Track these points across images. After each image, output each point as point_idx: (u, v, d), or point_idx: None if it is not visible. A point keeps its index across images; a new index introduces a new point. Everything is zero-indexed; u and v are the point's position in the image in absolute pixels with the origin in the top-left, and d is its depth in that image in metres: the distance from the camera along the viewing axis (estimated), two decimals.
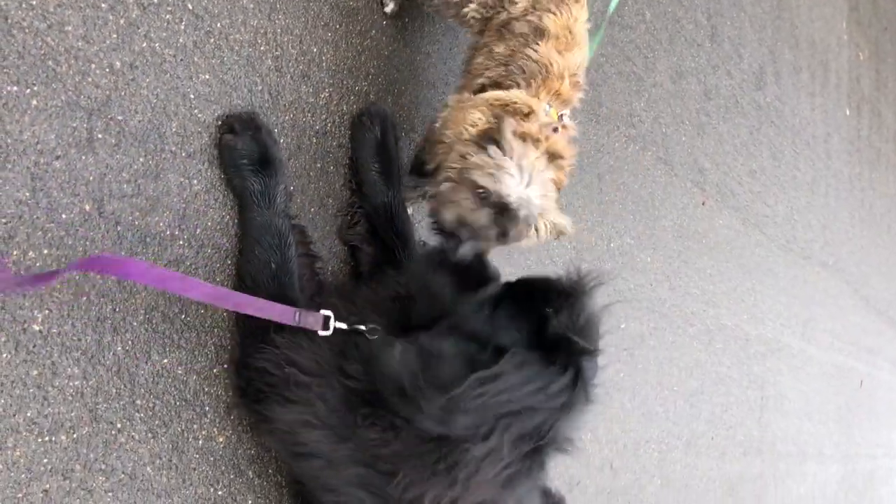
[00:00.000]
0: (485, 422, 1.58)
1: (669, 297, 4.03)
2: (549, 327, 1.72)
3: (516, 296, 1.87)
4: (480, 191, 1.91)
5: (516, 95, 2.07)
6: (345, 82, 2.38)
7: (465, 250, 1.81)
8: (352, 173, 2.36)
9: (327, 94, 2.32)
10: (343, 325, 1.85)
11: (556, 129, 2.03)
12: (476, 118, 2.02)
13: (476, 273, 1.87)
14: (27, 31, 1.69)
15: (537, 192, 1.93)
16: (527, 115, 2.03)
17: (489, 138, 1.95)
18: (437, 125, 2.17)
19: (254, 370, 1.91)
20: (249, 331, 1.98)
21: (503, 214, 1.92)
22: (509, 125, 1.93)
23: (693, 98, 4.34)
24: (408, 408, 1.61)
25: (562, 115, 2.12)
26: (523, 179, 1.91)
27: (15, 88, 1.68)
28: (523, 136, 1.96)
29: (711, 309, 4.42)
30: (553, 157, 2.01)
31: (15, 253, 1.66)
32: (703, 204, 4.39)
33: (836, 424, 6.22)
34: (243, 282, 2.04)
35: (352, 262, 2.38)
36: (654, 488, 3.87)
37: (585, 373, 1.71)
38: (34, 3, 1.70)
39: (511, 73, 2.14)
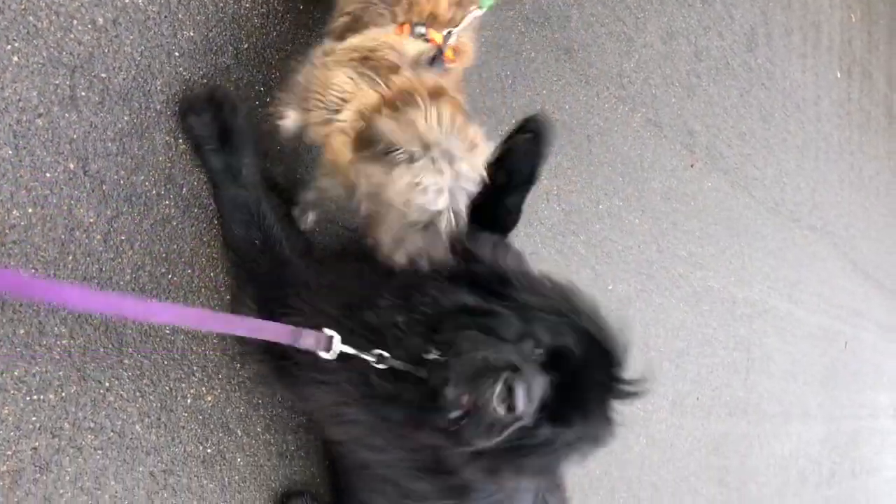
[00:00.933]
0: None
1: (657, 259, 4.05)
2: None
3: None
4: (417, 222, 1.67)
5: (373, 39, 1.77)
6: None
7: (520, 407, 1.50)
8: None
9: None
10: (349, 350, 1.67)
11: (433, 60, 1.77)
12: (342, 84, 1.74)
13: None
14: None
15: (466, 166, 1.66)
16: (392, 66, 1.73)
17: (377, 146, 1.65)
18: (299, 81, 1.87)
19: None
20: (266, 300, 1.94)
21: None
22: (386, 127, 1.64)
23: (683, 59, 4.31)
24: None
25: (448, 34, 1.82)
26: (446, 167, 1.63)
27: None
28: (400, 102, 1.67)
29: (699, 271, 4.44)
30: (436, 95, 1.70)
31: (1, 210, 1.65)
32: (692, 166, 4.38)
33: (821, 385, 6.30)
34: (237, 255, 2.03)
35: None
36: (639, 448, 3.92)
37: None
38: None
39: (370, 2, 1.85)
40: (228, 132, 1.98)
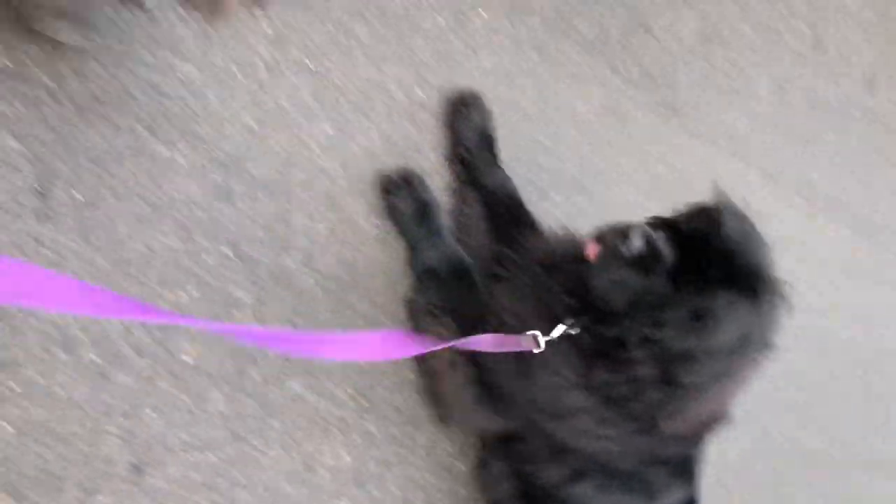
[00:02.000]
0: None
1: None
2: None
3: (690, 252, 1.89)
4: None
5: None
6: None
7: (637, 244, 1.80)
8: (460, 163, 2.51)
9: (432, 135, 2.49)
10: (550, 337, 1.96)
11: None
12: None
13: (650, 255, 1.85)
14: (173, 98, 1.94)
15: None
16: None
17: None
18: None
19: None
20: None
21: None
22: None
23: (797, 110, 4.28)
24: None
25: None
26: None
27: (164, 149, 1.93)
28: None
29: (821, 319, 4.33)
30: None
31: (169, 294, 1.90)
32: (811, 216, 4.32)
33: None
34: (441, 298, 2.30)
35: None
36: None
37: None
38: (181, 76, 1.95)
39: None
40: (424, 204, 2.31)
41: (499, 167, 2.55)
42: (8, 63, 1.70)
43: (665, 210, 2.12)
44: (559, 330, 1.94)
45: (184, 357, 1.94)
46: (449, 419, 2.35)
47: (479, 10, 2.70)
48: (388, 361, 2.33)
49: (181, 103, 1.96)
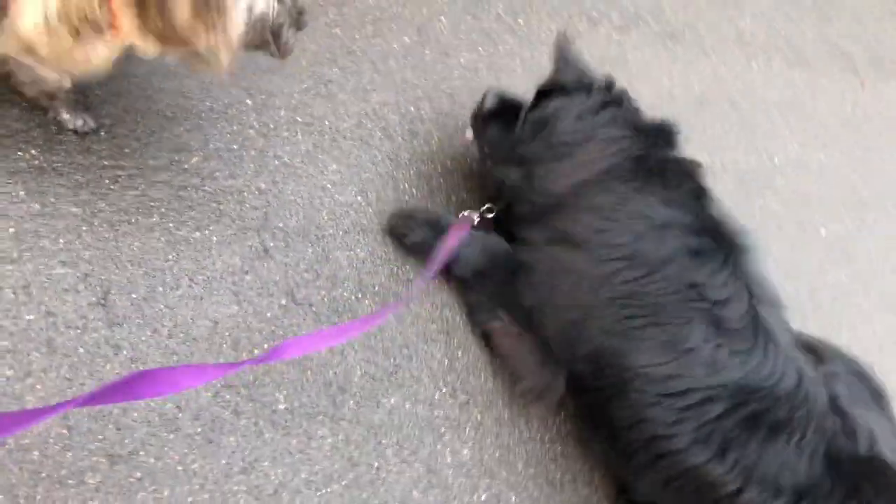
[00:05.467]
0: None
1: (862, 185, 3.85)
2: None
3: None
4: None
5: None
6: (448, 124, 2.67)
7: (490, 101, 2.40)
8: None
9: (436, 140, 2.62)
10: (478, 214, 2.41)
11: None
12: None
13: (509, 107, 2.39)
14: (188, 187, 2.14)
15: None
16: None
17: None
18: None
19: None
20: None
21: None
22: None
23: None
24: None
25: None
26: None
27: (197, 234, 2.12)
28: None
29: None
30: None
31: (244, 354, 2.06)
32: (862, 85, 4.18)
33: None
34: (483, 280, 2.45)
35: None
36: None
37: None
38: (188, 167, 2.16)
39: None
40: (434, 224, 2.39)
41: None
42: (37, 206, 1.94)
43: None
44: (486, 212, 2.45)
45: (279, 406, 2.08)
46: (531, 388, 2.37)
47: (441, 18, 2.86)
48: (473, 354, 2.41)
49: (196, 190, 2.16)
